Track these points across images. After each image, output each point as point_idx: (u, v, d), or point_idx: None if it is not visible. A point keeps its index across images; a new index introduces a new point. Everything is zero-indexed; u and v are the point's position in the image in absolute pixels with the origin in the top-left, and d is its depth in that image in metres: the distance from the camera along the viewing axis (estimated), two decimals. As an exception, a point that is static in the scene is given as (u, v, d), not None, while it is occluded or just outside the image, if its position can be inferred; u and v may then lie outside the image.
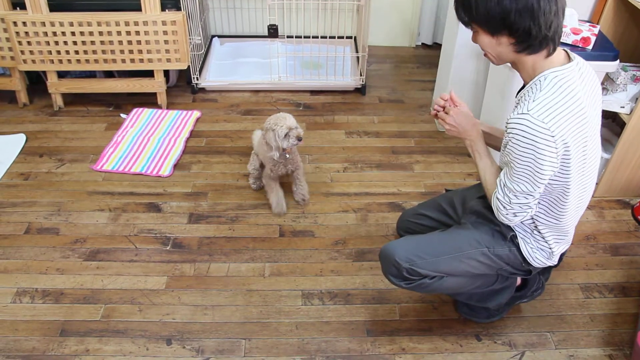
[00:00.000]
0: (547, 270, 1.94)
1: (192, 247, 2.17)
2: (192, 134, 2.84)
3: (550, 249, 1.60)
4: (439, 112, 1.70)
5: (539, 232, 1.58)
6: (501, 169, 1.52)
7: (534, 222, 1.57)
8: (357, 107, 3.12)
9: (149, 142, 2.74)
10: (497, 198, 1.50)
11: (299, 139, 2.15)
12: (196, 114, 2.99)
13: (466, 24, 1.42)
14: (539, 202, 1.51)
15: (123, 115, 2.96)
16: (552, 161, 1.36)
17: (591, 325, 1.91)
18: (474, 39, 1.44)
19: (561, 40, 2.28)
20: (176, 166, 2.61)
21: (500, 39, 1.37)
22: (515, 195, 1.45)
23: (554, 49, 1.38)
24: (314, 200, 2.42)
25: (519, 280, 1.89)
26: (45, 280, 2.02)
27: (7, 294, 1.96)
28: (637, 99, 2.25)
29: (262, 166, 2.42)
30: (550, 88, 1.37)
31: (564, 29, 2.25)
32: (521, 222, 1.56)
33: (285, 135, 2.12)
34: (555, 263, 1.66)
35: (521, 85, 1.52)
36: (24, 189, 2.45)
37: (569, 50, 1.46)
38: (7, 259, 2.10)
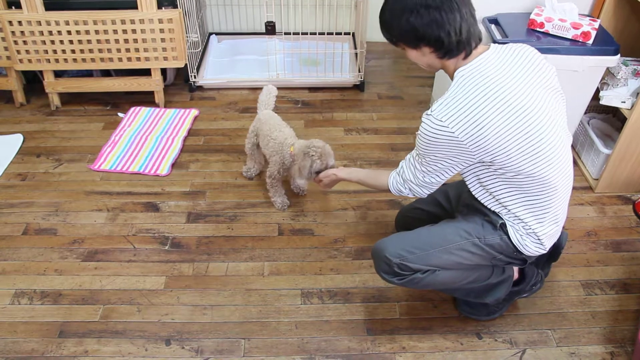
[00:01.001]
0: (546, 264, 1.93)
1: (191, 246, 2.16)
2: (190, 133, 2.83)
3: (535, 233, 1.58)
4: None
5: (514, 215, 1.58)
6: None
7: (505, 207, 1.58)
8: (355, 104, 3.11)
9: (146, 141, 2.72)
10: (405, 178, 1.63)
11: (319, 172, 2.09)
12: (194, 112, 2.97)
13: (393, 43, 1.54)
14: (499, 185, 1.54)
15: (120, 114, 2.95)
16: (461, 156, 1.46)
17: (592, 322, 1.90)
18: (406, 54, 1.54)
19: (560, 35, 2.27)
20: (174, 165, 2.59)
21: (422, 50, 1.48)
22: (424, 183, 1.60)
23: (470, 51, 1.47)
24: (312, 198, 2.41)
25: (516, 274, 1.88)
26: (44, 281, 2.01)
27: (5, 296, 1.95)
28: (638, 93, 2.23)
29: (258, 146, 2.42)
30: (456, 86, 1.45)
31: (563, 24, 2.23)
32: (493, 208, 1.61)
33: (319, 171, 2.06)
34: (546, 250, 1.64)
35: None
36: (22, 189, 2.44)
37: (494, 44, 1.54)
38: (5, 260, 2.09)
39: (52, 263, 2.08)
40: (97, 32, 2.73)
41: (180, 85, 3.24)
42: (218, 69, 3.31)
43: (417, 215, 1.96)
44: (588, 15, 2.34)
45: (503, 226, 1.60)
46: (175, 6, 2.82)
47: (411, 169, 1.61)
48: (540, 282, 1.91)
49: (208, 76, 3.24)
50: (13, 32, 2.71)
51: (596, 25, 2.20)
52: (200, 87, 3.22)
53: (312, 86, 3.23)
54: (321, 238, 2.21)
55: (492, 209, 1.61)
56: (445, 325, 1.88)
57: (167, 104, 3.05)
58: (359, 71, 3.18)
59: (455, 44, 1.43)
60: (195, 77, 3.16)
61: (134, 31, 2.74)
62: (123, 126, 2.83)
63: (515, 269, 1.88)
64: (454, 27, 1.41)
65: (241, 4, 3.59)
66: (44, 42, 2.75)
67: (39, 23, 2.69)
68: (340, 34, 3.33)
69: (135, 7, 2.70)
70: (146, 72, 2.93)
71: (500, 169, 1.48)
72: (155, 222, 2.27)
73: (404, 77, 3.40)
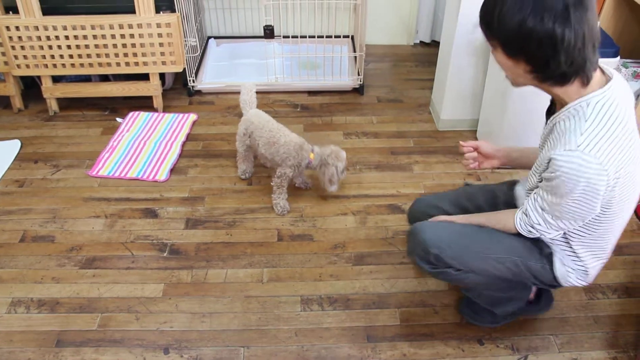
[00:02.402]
0: None
1: (190, 253, 2.15)
2: (189, 138, 2.82)
3: (585, 270, 1.54)
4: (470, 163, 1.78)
5: (574, 252, 1.52)
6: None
7: (567, 242, 1.51)
8: (355, 108, 3.09)
9: (145, 146, 2.71)
10: (532, 223, 1.46)
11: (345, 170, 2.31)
12: (192, 116, 2.96)
13: (487, 37, 1.32)
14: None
15: (119, 120, 2.94)
16: (603, 195, 1.31)
17: (595, 327, 1.88)
18: (495, 56, 1.35)
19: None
20: (173, 170, 2.58)
21: (518, 63, 1.28)
22: (554, 228, 1.43)
23: (588, 80, 1.27)
24: (312, 203, 2.39)
25: (532, 294, 1.86)
26: (41, 290, 1.99)
27: (2, 304, 1.94)
28: (638, 95, 2.22)
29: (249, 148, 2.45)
30: (596, 116, 1.27)
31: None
32: (552, 239, 1.52)
33: (342, 170, 2.27)
34: (588, 284, 1.60)
35: (547, 100, 1.46)
36: (19, 196, 2.42)
37: (601, 65, 1.34)
38: (1, 268, 2.08)
39: (50, 271, 2.07)
40: (95, 37, 2.72)
41: (178, 89, 3.23)
42: (217, 73, 3.30)
43: (437, 214, 1.80)
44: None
45: (550, 255, 1.55)
46: (173, 10, 2.81)
47: (539, 213, 1.43)
48: (550, 303, 1.89)
49: (207, 80, 3.22)
50: (10, 38, 2.69)
51: (596, 27, 2.18)
52: (199, 92, 3.20)
53: (311, 90, 3.21)
54: (321, 243, 2.19)
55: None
56: (447, 331, 1.86)
57: (166, 109, 3.04)
58: (358, 74, 3.16)
59: (561, 73, 1.25)
60: (193, 82, 3.14)
61: (132, 36, 2.73)
62: (121, 131, 2.82)
63: (534, 288, 1.86)
64: (568, 53, 1.20)
65: (240, 7, 3.58)
66: (41, 47, 2.74)
67: (37, 28, 2.68)
68: (339, 37, 3.32)
69: (133, 12, 2.69)
70: (145, 77, 2.92)
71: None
72: (153, 229, 2.26)
73: (403, 80, 3.38)
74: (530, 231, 1.48)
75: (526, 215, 1.47)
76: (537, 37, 1.19)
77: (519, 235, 1.53)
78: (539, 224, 1.44)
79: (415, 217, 1.87)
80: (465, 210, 1.78)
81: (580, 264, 1.53)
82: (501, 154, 1.75)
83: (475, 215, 1.66)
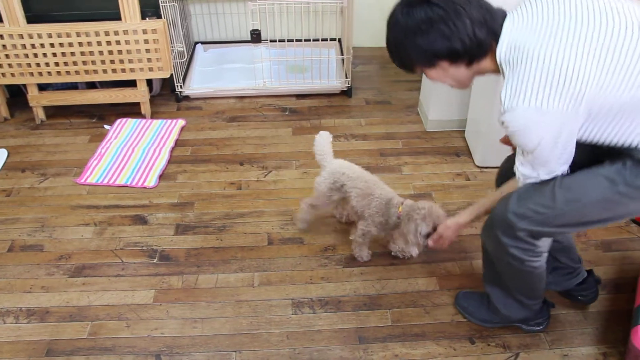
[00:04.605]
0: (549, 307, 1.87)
1: (180, 259, 2.14)
2: (177, 143, 2.81)
3: None
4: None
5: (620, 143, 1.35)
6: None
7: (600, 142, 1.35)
8: (343, 110, 3.10)
9: (133, 152, 2.70)
10: (528, 175, 1.42)
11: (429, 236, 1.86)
12: (181, 122, 2.95)
13: (408, 70, 1.45)
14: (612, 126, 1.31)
15: (107, 127, 2.92)
16: (574, 121, 1.27)
17: (585, 323, 1.89)
18: (428, 76, 1.44)
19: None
20: (162, 176, 2.57)
21: (441, 66, 1.37)
22: (548, 172, 1.39)
23: (497, 38, 1.31)
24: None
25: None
26: (30, 299, 1.98)
27: (-9, 315, 1.92)
28: None
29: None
30: (514, 62, 1.27)
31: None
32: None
33: (427, 234, 1.84)
34: None
35: None
36: (6, 205, 2.40)
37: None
38: (-10, 278, 2.06)
39: (39, 280, 2.05)
40: (80, 44, 2.71)
41: (166, 95, 3.22)
42: (205, 78, 3.30)
43: None
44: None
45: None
46: (159, 16, 2.81)
47: (528, 170, 1.41)
48: (547, 320, 1.87)
49: (194, 86, 3.22)
50: (-5, 47, 2.68)
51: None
52: (186, 97, 3.20)
53: (300, 93, 3.22)
54: (311, 246, 2.19)
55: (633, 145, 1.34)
56: (438, 331, 1.86)
57: (154, 115, 3.03)
58: (346, 77, 3.17)
59: (475, 47, 1.31)
60: (181, 87, 3.14)
61: (118, 42, 2.72)
62: (109, 138, 2.81)
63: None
64: (466, 33, 1.29)
65: (226, 12, 3.58)
66: (26, 56, 2.73)
67: (21, 36, 2.67)
68: (326, 40, 3.33)
69: (119, 18, 2.69)
70: (132, 84, 2.91)
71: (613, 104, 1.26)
72: (143, 235, 2.25)
73: (391, 82, 3.39)
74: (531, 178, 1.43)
75: (524, 179, 1.44)
76: (430, 42, 1.32)
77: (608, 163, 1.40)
78: (535, 177, 1.41)
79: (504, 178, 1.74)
80: None
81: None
82: (469, 221, 1.73)
83: (476, 205, 1.69)
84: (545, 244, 1.56)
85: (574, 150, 1.36)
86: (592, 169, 1.41)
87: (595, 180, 1.39)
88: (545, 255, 1.60)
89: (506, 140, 1.74)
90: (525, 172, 1.42)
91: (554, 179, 1.43)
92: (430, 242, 1.82)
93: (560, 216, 1.44)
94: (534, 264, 1.58)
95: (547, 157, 1.35)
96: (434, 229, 1.81)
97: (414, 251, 1.94)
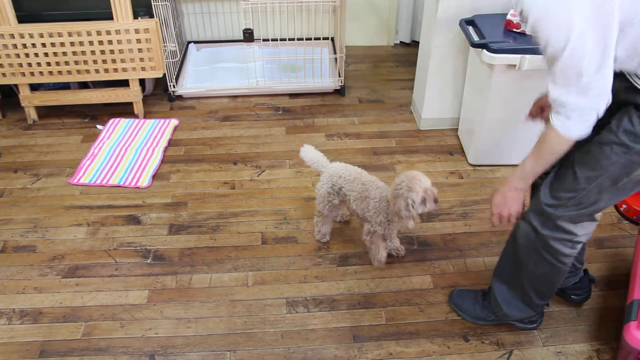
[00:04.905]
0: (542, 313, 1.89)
1: (173, 258, 2.13)
2: (171, 143, 2.80)
3: None
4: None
5: None
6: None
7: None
8: (336, 109, 3.10)
9: (126, 152, 2.69)
10: (555, 97, 1.27)
11: (436, 201, 1.81)
12: (174, 122, 2.94)
13: None
14: None
15: (99, 127, 2.91)
16: (609, 11, 1.13)
17: (578, 320, 1.90)
18: None
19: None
20: (155, 176, 2.56)
21: None
22: (583, 91, 1.22)
23: None
24: (295, 205, 2.39)
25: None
26: (23, 300, 1.97)
27: (-16, 316, 1.91)
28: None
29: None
30: None
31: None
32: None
33: (422, 200, 1.78)
34: None
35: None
36: (-1, 206, 2.40)
37: None
38: (-18, 279, 2.05)
39: (32, 281, 2.04)
40: (72, 44, 2.70)
41: (159, 95, 3.21)
42: (197, 78, 3.29)
43: None
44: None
45: None
46: (151, 16, 2.80)
47: (559, 90, 1.26)
48: (540, 319, 1.88)
49: (187, 85, 3.21)
50: (-14, 47, 2.66)
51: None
52: (179, 97, 3.19)
53: (293, 92, 3.22)
54: (305, 245, 2.19)
55: None
56: (432, 329, 1.87)
57: (147, 115, 3.02)
58: (339, 76, 3.17)
59: None
60: (174, 87, 3.13)
61: (110, 42, 2.71)
62: (102, 138, 2.80)
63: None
64: None
65: (219, 11, 3.57)
66: (18, 56, 2.71)
67: (12, 36, 2.65)
68: (319, 39, 3.33)
69: (111, 18, 2.67)
70: (124, 83, 2.90)
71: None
72: (136, 235, 2.24)
73: (384, 80, 3.40)
74: (574, 124, 1.28)
75: (563, 106, 1.27)
76: None
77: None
78: (572, 103, 1.25)
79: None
80: None
81: None
82: None
83: (522, 162, 1.49)
84: (583, 232, 1.54)
85: (612, 69, 1.19)
86: (602, 136, 1.35)
87: (608, 149, 1.34)
88: (579, 247, 1.58)
89: (535, 111, 1.63)
90: (556, 93, 1.26)
91: (571, 159, 1.38)
92: (494, 219, 1.60)
93: (588, 194, 1.43)
94: (565, 260, 1.58)
95: (579, 65, 1.18)
96: (425, 192, 1.76)
97: (410, 224, 1.85)
